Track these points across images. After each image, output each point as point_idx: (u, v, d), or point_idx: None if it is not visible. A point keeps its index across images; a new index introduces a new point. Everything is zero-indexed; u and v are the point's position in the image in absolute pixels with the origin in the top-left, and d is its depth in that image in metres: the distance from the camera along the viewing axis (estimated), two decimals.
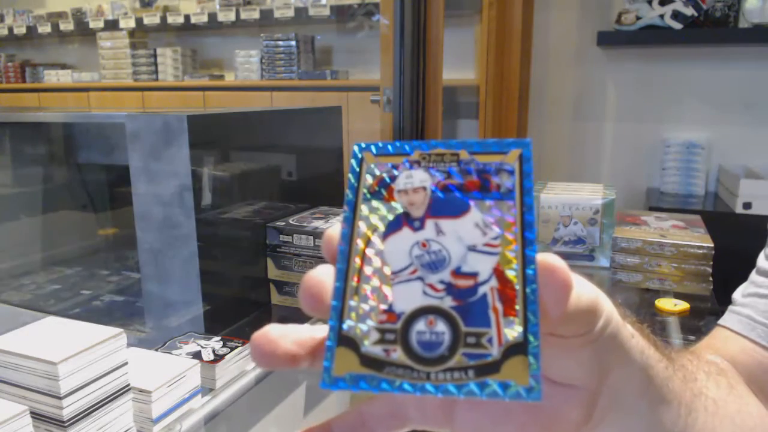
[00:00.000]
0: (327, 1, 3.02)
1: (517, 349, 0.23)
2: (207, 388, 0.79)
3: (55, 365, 0.57)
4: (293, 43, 3.11)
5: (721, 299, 1.05)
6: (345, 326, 0.24)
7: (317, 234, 1.06)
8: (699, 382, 0.38)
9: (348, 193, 0.27)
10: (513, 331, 0.23)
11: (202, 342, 0.85)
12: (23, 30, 4.01)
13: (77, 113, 1.59)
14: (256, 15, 3.20)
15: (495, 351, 0.23)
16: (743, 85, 2.26)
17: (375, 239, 0.26)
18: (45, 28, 3.90)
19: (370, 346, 0.24)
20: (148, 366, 0.72)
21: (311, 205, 1.25)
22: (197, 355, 0.81)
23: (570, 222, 1.22)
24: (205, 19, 3.34)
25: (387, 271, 0.25)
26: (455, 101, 2.62)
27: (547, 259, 0.24)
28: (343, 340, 0.24)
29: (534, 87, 2.52)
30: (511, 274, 0.24)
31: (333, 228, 0.26)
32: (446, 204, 0.26)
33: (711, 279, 1.10)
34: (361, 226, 0.26)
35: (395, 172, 0.27)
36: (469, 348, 0.23)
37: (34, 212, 1.51)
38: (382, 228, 0.26)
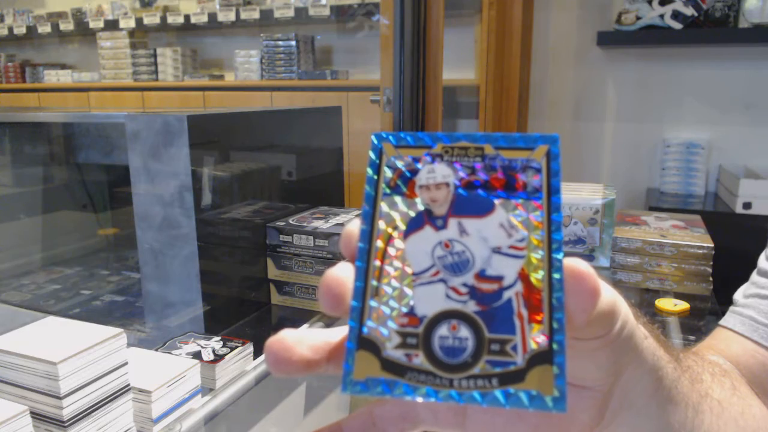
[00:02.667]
0: (327, 1, 3.02)
1: (542, 357, 0.22)
2: (207, 388, 0.79)
3: (55, 365, 0.57)
4: (293, 43, 3.11)
5: (721, 299, 1.05)
6: (365, 329, 0.24)
7: (317, 234, 1.06)
8: (705, 384, 0.38)
9: (367, 188, 0.26)
10: (538, 339, 0.23)
11: (202, 342, 0.85)
12: (23, 30, 4.01)
13: (77, 113, 1.59)
14: (256, 15, 3.20)
15: (519, 359, 0.22)
16: (743, 85, 2.26)
17: (396, 238, 0.25)
18: (45, 28, 3.90)
19: (391, 350, 0.23)
20: (148, 366, 0.72)
21: (311, 205, 1.25)
22: (197, 355, 0.81)
23: (570, 222, 1.22)
24: (205, 19, 3.34)
25: (408, 271, 0.24)
26: (455, 101, 2.62)
27: (574, 264, 0.23)
28: (364, 342, 0.23)
29: (534, 87, 2.52)
30: (537, 279, 0.23)
31: (352, 224, 0.26)
32: (470, 202, 0.25)
33: (711, 279, 1.10)
34: (381, 223, 0.25)
35: (417, 166, 0.25)
36: (493, 355, 0.23)
37: (34, 212, 1.51)
38: (402, 226, 0.25)
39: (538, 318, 0.23)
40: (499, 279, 0.24)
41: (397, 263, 0.24)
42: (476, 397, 0.22)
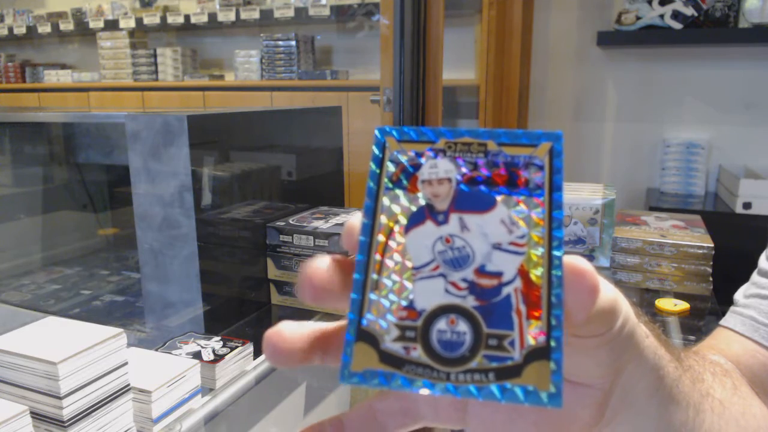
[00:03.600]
0: (327, 1, 3.02)
1: (540, 353, 0.22)
2: (207, 388, 0.79)
3: (55, 365, 0.57)
4: (293, 43, 3.11)
5: (721, 299, 1.05)
6: (364, 321, 0.24)
7: (317, 234, 1.06)
8: (706, 383, 0.38)
9: (369, 182, 0.26)
10: (536, 335, 0.23)
11: (202, 342, 0.85)
12: (23, 30, 4.01)
13: (77, 113, 1.59)
14: (256, 15, 3.20)
15: (517, 354, 0.23)
16: (743, 85, 2.26)
17: (397, 232, 0.25)
18: (45, 28, 3.90)
19: (389, 343, 0.23)
20: (148, 366, 0.72)
21: (311, 205, 1.25)
22: (197, 355, 0.81)
23: (570, 222, 1.22)
24: (205, 19, 3.34)
25: (408, 265, 0.24)
26: (455, 101, 2.62)
27: (574, 262, 0.23)
28: (363, 335, 0.24)
29: (534, 87, 2.52)
30: (536, 275, 0.23)
31: (354, 218, 0.26)
32: (472, 198, 0.25)
33: (711, 279, 1.10)
34: (383, 217, 0.25)
35: (419, 161, 0.26)
36: (491, 350, 0.23)
37: (34, 212, 1.51)
38: (404, 220, 0.25)
39: (537, 314, 0.23)
40: (498, 275, 0.24)
41: (397, 257, 0.25)
42: (473, 390, 0.22)
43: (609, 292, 0.25)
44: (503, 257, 0.24)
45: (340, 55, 3.25)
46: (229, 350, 0.83)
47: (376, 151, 0.26)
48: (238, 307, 1.09)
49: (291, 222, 1.11)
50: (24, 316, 1.15)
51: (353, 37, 3.14)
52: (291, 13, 3.09)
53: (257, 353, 0.88)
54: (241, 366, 0.85)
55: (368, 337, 0.24)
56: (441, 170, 0.25)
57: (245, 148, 1.14)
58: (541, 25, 2.47)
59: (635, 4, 2.21)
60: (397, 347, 0.23)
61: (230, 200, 1.07)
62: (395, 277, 0.24)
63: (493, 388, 0.22)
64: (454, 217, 0.25)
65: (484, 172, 0.25)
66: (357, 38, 3.11)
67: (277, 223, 1.10)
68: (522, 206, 0.25)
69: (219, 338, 0.86)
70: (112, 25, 3.66)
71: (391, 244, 0.25)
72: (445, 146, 0.26)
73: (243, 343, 0.85)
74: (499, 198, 0.25)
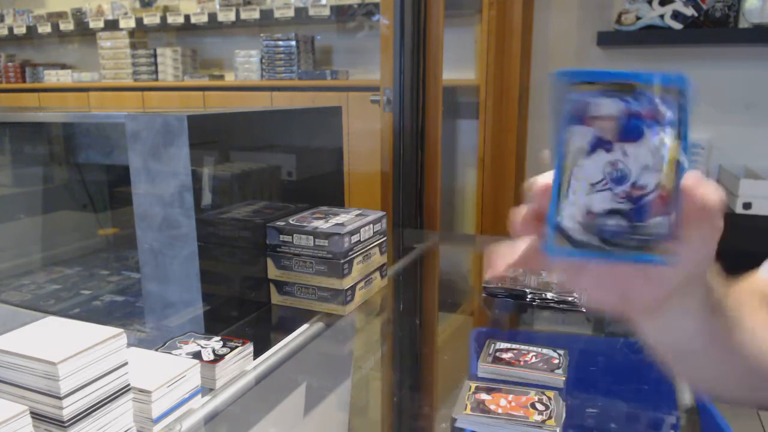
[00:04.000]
0: (327, 1, 3.02)
1: (667, 235, 0.35)
2: (207, 388, 0.79)
3: (55, 365, 0.57)
4: (293, 43, 3.11)
5: None
6: (557, 221, 0.36)
7: (317, 234, 1.06)
8: (745, 307, 0.46)
9: (554, 118, 0.35)
10: (665, 224, 0.34)
11: (202, 342, 0.85)
12: (23, 30, 4.01)
13: (77, 113, 1.59)
14: (256, 15, 3.20)
15: (654, 236, 0.35)
16: (743, 85, 2.26)
17: (579, 157, 0.35)
18: (45, 28, 3.90)
19: (575, 234, 0.36)
20: (148, 366, 0.72)
21: (311, 205, 1.25)
22: (197, 355, 0.81)
23: None
24: (205, 19, 3.34)
25: (587, 182, 0.35)
26: (455, 101, 2.62)
27: (691, 177, 0.34)
28: (558, 229, 0.36)
29: (534, 87, 2.52)
30: (668, 187, 0.34)
31: (537, 177, 0.38)
32: (629, 130, 0.34)
33: None
34: (567, 147, 0.35)
35: (593, 100, 0.34)
36: (639, 235, 0.35)
37: (34, 212, 1.51)
38: (584, 149, 0.35)
39: (666, 211, 0.34)
40: (644, 186, 0.34)
41: (579, 176, 0.35)
42: (629, 259, 0.35)
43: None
44: (649, 174, 0.34)
45: (340, 55, 3.25)
46: (229, 350, 0.83)
47: (556, 92, 0.35)
48: (238, 307, 1.09)
49: (291, 222, 1.11)
50: (24, 316, 1.15)
51: (353, 37, 3.13)
52: (291, 13, 3.09)
53: (257, 353, 0.88)
54: (241, 366, 0.85)
55: (561, 231, 0.36)
56: (609, 108, 0.34)
57: (245, 148, 1.14)
58: (541, 25, 2.47)
59: (635, 4, 2.21)
60: (580, 237, 0.36)
61: (230, 200, 1.07)
62: (578, 190, 0.35)
63: (642, 256, 0.35)
64: (618, 146, 0.34)
65: (637, 108, 0.34)
66: (357, 38, 3.11)
67: (277, 223, 1.10)
68: (662, 136, 0.34)
69: (219, 338, 0.86)
70: (112, 25, 3.66)
71: (575, 167, 0.35)
72: (611, 87, 0.34)
73: (243, 343, 0.85)
74: (648, 129, 0.34)
